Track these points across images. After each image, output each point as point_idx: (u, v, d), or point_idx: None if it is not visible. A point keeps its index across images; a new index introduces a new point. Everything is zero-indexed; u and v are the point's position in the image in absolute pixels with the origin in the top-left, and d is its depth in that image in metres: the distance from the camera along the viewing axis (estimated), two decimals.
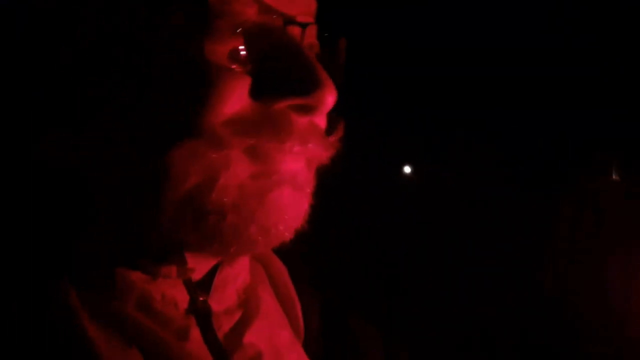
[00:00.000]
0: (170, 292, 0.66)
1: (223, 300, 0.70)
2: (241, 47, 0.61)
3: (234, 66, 0.61)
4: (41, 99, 0.62)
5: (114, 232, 0.64)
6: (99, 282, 0.64)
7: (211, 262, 0.69)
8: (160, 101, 0.60)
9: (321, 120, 0.67)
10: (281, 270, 0.80)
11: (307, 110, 0.62)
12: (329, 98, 0.62)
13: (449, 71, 2.79)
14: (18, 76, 0.63)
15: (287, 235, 0.65)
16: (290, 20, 0.63)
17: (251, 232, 0.62)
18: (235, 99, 0.60)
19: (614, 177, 2.65)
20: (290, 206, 0.64)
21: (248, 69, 0.61)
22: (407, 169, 3.04)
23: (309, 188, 0.67)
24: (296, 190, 0.65)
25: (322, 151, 0.66)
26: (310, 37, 0.67)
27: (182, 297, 0.67)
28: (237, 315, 0.71)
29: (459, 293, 2.46)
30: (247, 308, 0.72)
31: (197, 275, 0.68)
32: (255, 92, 0.61)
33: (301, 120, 0.63)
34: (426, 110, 2.79)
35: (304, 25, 0.64)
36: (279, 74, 0.61)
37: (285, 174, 0.63)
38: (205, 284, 0.69)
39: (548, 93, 2.72)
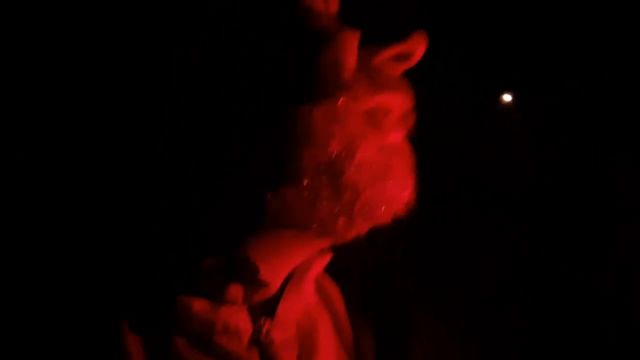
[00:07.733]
0: (234, 320, 0.65)
1: (284, 330, 0.68)
2: None
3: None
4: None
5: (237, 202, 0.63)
6: (161, 314, 0.65)
7: (283, 275, 0.67)
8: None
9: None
10: (335, 294, 0.79)
11: (402, 59, 0.64)
12: (421, 46, 0.64)
13: None
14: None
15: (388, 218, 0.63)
16: None
17: (380, 212, 0.61)
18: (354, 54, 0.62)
19: None
20: (400, 185, 0.62)
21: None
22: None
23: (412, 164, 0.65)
24: (403, 165, 0.63)
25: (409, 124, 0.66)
26: None
27: (245, 326, 0.65)
28: (295, 351, 0.69)
29: None
30: (306, 345, 0.70)
31: (264, 295, 0.66)
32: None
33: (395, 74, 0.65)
34: None
35: None
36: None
37: (395, 145, 0.63)
38: (267, 308, 0.67)
39: None
